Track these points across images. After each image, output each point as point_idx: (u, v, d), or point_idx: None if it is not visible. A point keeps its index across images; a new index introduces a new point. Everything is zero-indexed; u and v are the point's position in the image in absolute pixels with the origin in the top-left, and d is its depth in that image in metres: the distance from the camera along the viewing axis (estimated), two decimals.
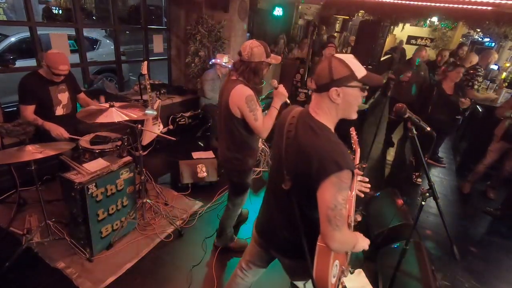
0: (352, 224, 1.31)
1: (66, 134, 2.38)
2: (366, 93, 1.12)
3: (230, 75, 1.90)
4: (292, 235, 1.22)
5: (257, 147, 2.12)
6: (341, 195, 1.00)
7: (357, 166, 1.60)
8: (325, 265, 1.09)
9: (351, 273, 1.36)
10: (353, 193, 1.44)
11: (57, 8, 8.96)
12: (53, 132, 2.35)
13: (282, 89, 1.90)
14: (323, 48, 4.84)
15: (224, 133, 1.99)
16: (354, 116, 1.14)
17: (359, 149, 1.72)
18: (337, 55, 1.09)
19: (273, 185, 1.29)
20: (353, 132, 1.74)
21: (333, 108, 1.10)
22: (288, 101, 1.97)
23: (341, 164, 0.99)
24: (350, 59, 1.07)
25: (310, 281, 1.36)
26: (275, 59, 1.87)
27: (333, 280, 1.14)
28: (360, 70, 1.06)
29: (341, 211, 1.01)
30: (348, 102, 1.09)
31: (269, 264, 1.57)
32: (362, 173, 1.53)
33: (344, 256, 1.29)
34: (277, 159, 1.24)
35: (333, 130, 1.13)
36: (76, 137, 2.43)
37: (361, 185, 1.54)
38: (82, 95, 2.77)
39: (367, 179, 1.59)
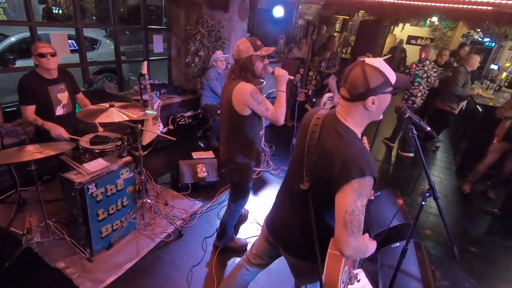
0: None
1: (66, 134, 2.38)
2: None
3: (229, 76, 1.91)
4: (304, 236, 1.21)
5: (260, 148, 2.11)
6: (360, 201, 0.99)
7: None
8: (336, 270, 1.08)
9: (358, 281, 1.34)
10: None
11: (57, 8, 8.96)
12: (52, 132, 2.35)
13: (278, 71, 1.88)
14: (324, 45, 4.82)
15: (226, 133, 1.98)
16: (381, 117, 1.14)
17: None
18: (368, 60, 1.05)
19: (290, 185, 1.29)
20: (365, 140, 1.73)
21: (366, 116, 1.09)
22: (292, 77, 1.96)
23: (364, 170, 0.98)
24: (382, 64, 1.04)
25: (314, 284, 1.36)
26: (266, 50, 1.83)
27: (342, 286, 1.13)
28: (392, 75, 1.05)
29: (359, 216, 0.99)
30: (380, 107, 1.08)
31: (273, 261, 1.59)
32: None
33: (352, 261, 1.28)
34: (297, 160, 1.23)
35: (359, 136, 1.12)
36: (75, 137, 2.43)
37: None
38: (80, 95, 2.76)
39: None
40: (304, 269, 1.33)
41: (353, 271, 1.30)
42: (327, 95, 3.62)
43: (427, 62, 4.30)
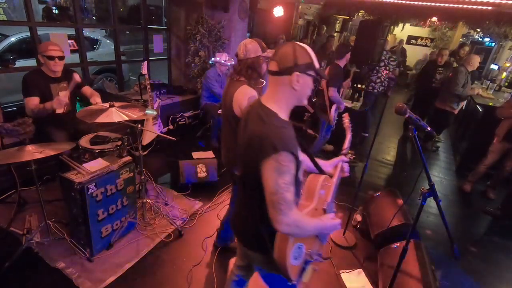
0: (328, 208, 1.31)
1: (64, 98, 2.39)
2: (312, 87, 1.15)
3: (232, 77, 1.90)
4: (254, 224, 1.21)
5: None
6: (282, 179, 1.00)
7: (343, 152, 1.60)
8: (283, 246, 1.10)
9: (328, 258, 1.35)
10: (334, 179, 1.43)
11: (56, 8, 8.96)
12: (55, 105, 2.36)
13: None
14: (324, 45, 4.81)
15: (227, 134, 1.98)
16: (305, 102, 1.17)
17: (350, 135, 1.73)
18: (299, 43, 1.11)
19: (238, 177, 1.32)
20: (345, 118, 1.75)
21: (289, 94, 1.11)
22: None
23: (277, 146, 1.00)
24: (309, 49, 1.10)
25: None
26: (272, 52, 1.85)
27: (295, 262, 1.14)
28: (316, 62, 1.11)
29: (283, 195, 1.01)
30: (304, 89, 1.11)
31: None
32: (347, 159, 1.53)
33: (312, 239, 1.26)
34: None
35: (285, 117, 1.14)
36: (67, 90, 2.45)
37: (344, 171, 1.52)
38: (85, 88, 2.72)
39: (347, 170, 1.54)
40: (263, 262, 1.30)
41: (317, 250, 1.29)
42: (333, 108, 3.60)
43: (384, 52, 4.86)
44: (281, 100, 1.13)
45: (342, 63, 3.51)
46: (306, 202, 1.23)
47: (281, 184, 1.00)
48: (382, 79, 4.89)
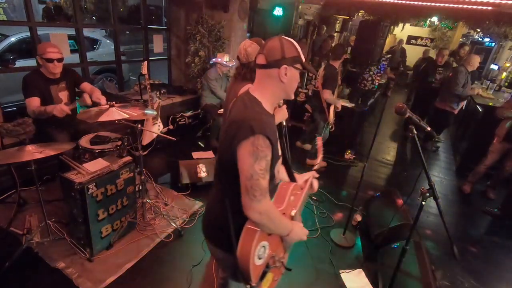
0: (295, 216, 1.28)
1: (66, 108, 2.33)
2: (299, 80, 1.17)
3: (237, 76, 1.90)
4: (222, 219, 1.16)
5: None
6: (258, 164, 0.99)
7: (314, 168, 1.59)
8: (248, 243, 1.07)
9: (288, 269, 1.32)
10: (305, 190, 1.41)
11: (53, 9, 8.95)
12: (56, 112, 2.31)
13: (284, 110, 1.85)
14: (323, 45, 4.81)
15: None
16: (292, 96, 1.18)
17: (321, 156, 1.71)
18: (286, 37, 1.13)
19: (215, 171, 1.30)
20: (319, 141, 1.75)
21: (276, 86, 1.11)
22: (284, 123, 1.97)
23: (254, 129, 0.99)
24: (296, 43, 1.12)
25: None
26: None
27: (258, 262, 1.12)
28: (303, 56, 1.12)
29: (258, 181, 0.99)
30: (291, 82, 1.12)
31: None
32: (317, 175, 1.52)
33: (277, 242, 1.23)
34: None
35: (269, 109, 1.13)
36: (72, 106, 2.40)
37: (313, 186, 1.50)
38: (85, 85, 2.69)
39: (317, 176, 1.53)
40: (222, 259, 1.27)
41: (281, 255, 1.26)
42: (332, 109, 3.61)
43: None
44: (267, 92, 1.13)
45: (337, 64, 3.48)
46: (276, 204, 1.21)
47: (256, 169, 0.99)
48: (374, 77, 5.30)
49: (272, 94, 1.14)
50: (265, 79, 1.12)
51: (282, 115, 1.88)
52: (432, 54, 9.11)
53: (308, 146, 4.39)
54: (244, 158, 1.01)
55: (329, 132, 3.87)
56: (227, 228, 1.13)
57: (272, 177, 1.14)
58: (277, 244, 1.23)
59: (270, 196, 1.17)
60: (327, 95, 3.45)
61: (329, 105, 3.58)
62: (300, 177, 1.46)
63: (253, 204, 1.01)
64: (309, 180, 1.47)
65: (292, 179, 1.39)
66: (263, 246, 1.12)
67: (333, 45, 6.94)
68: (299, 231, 1.22)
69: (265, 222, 1.05)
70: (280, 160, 1.24)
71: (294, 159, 4.13)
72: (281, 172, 1.35)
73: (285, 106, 1.90)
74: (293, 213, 1.27)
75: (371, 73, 5.36)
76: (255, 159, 0.99)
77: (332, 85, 3.48)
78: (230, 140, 1.04)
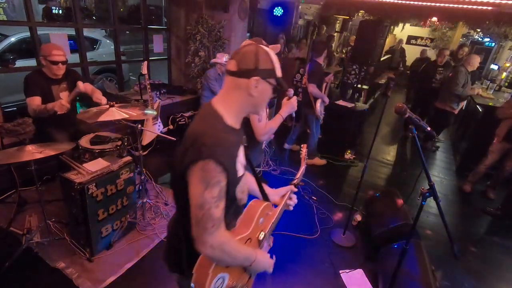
0: (263, 240, 1.14)
1: (65, 102, 2.33)
2: (273, 96, 1.04)
3: None
4: (177, 242, 1.06)
5: (261, 149, 2.11)
6: (209, 192, 0.87)
7: (293, 182, 1.43)
8: (203, 276, 0.94)
9: None
10: (279, 208, 1.27)
11: (56, 8, 8.96)
12: (56, 108, 2.31)
13: (294, 101, 1.88)
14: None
15: None
16: (262, 112, 1.08)
17: (304, 167, 1.56)
18: (264, 46, 1.00)
19: None
20: (303, 148, 1.62)
21: (244, 99, 0.98)
22: (294, 115, 1.96)
23: (203, 152, 0.86)
24: (273, 55, 1.00)
25: None
26: (273, 49, 1.81)
27: None
28: (278, 70, 1.01)
29: (210, 211, 0.87)
30: (261, 98, 1.00)
31: None
32: (296, 190, 1.39)
33: (239, 272, 1.09)
34: None
35: (232, 123, 1.00)
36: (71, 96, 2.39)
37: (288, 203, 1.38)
38: (85, 85, 2.68)
39: (295, 200, 1.40)
40: (180, 283, 1.16)
41: (240, 283, 1.11)
42: (318, 103, 3.72)
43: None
44: (233, 104, 0.99)
45: (320, 60, 3.68)
46: (241, 229, 1.09)
47: (208, 197, 0.87)
48: (357, 71, 5.76)
49: (238, 107, 1.00)
50: (232, 88, 0.99)
51: (291, 108, 1.89)
52: (431, 54, 9.13)
53: (296, 147, 4.42)
54: (193, 183, 0.89)
55: (321, 128, 3.98)
56: (181, 253, 1.02)
57: (233, 200, 1.03)
58: (239, 273, 1.09)
59: (234, 219, 1.09)
60: (311, 88, 3.63)
61: (315, 99, 3.72)
62: (276, 193, 1.35)
63: (203, 237, 0.88)
64: (286, 196, 1.34)
65: (265, 197, 1.27)
66: (221, 278, 1.00)
67: (333, 45, 6.95)
68: (264, 261, 1.09)
69: (219, 256, 0.93)
70: (244, 178, 1.09)
71: (293, 161, 4.13)
72: (251, 185, 1.25)
73: (294, 97, 1.90)
74: (261, 237, 1.14)
75: (354, 66, 5.85)
76: (205, 185, 0.87)
77: (316, 79, 3.67)
78: (181, 157, 0.92)
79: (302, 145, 1.66)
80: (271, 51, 1.00)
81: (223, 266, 0.99)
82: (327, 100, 3.80)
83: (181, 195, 0.96)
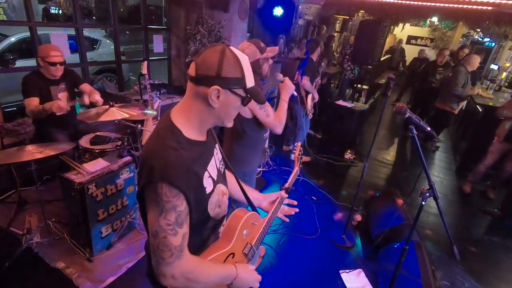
0: (250, 253, 1.07)
1: (63, 104, 2.31)
2: (244, 107, 0.88)
3: None
4: (149, 263, 0.94)
5: (263, 148, 2.11)
6: (164, 218, 0.77)
7: (284, 187, 1.33)
8: None
9: None
10: (268, 216, 1.19)
11: (56, 8, 8.96)
12: (53, 109, 2.29)
13: (288, 81, 1.90)
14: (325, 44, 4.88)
15: (230, 134, 1.98)
16: (230, 124, 0.91)
17: (297, 169, 1.45)
18: (234, 49, 0.85)
19: None
20: (297, 148, 1.52)
21: (203, 110, 0.85)
22: (295, 94, 1.97)
23: (154, 174, 0.76)
24: (245, 61, 0.85)
25: None
26: (271, 51, 1.81)
27: None
28: (250, 79, 0.86)
29: (166, 239, 0.78)
30: (225, 110, 0.86)
31: None
32: (287, 195, 1.30)
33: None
34: None
35: (194, 137, 0.87)
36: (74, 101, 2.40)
37: (285, 210, 1.32)
38: (84, 85, 2.67)
39: (295, 203, 1.34)
40: None
41: None
42: (309, 98, 3.79)
43: (348, 46, 6.10)
44: (192, 115, 0.86)
45: (314, 57, 3.86)
46: (222, 243, 1.00)
47: (162, 224, 0.77)
48: (352, 67, 5.92)
49: (198, 119, 0.87)
50: (191, 97, 0.85)
51: (288, 89, 1.90)
52: (431, 54, 9.13)
53: (287, 148, 4.45)
54: (148, 208, 0.80)
55: (310, 122, 4.05)
56: (152, 274, 0.92)
57: (207, 218, 0.94)
58: None
59: (214, 233, 1.00)
60: (305, 80, 3.74)
61: (307, 93, 3.82)
62: (266, 198, 1.27)
63: (161, 268, 0.79)
64: (276, 201, 1.25)
65: (251, 205, 1.17)
66: None
67: (333, 45, 6.96)
68: (247, 278, 0.97)
69: (185, 285, 0.84)
70: (218, 192, 0.97)
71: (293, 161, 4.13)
72: (237, 193, 1.17)
73: (287, 78, 1.91)
74: (246, 250, 1.05)
75: (349, 63, 6.00)
76: (160, 211, 0.77)
77: (310, 74, 3.79)
78: (138, 177, 0.84)
79: (295, 144, 1.61)
80: (243, 56, 0.86)
81: None
82: (316, 96, 3.93)
83: (144, 216, 0.87)
